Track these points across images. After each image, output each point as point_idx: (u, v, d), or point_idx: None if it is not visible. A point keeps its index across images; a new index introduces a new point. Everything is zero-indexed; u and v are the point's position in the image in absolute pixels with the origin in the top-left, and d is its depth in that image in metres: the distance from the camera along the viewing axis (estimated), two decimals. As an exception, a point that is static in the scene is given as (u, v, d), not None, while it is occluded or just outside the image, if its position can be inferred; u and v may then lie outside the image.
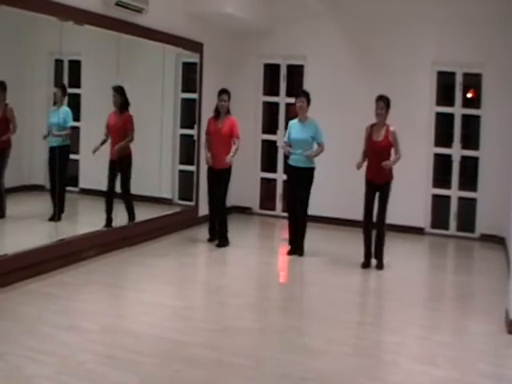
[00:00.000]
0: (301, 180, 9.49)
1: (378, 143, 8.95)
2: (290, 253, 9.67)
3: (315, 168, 9.55)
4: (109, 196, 9.78)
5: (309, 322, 6.85)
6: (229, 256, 9.68)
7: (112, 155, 9.78)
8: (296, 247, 9.66)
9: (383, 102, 8.97)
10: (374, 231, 9.10)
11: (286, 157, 9.77)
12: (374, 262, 9.09)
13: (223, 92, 9.92)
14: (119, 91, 9.79)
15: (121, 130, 9.81)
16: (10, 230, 9.03)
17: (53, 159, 9.38)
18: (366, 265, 9.09)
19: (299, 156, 9.40)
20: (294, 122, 9.65)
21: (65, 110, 9.53)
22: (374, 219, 9.07)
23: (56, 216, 9.20)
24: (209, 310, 7.15)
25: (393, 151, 9.04)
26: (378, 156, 8.89)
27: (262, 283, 8.54)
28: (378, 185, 9.00)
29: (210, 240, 10.17)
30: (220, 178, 9.89)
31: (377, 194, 9.05)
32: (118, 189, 9.80)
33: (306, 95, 9.66)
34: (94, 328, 6.19)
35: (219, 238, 10.07)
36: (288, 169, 9.77)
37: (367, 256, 9.13)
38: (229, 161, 9.75)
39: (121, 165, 9.82)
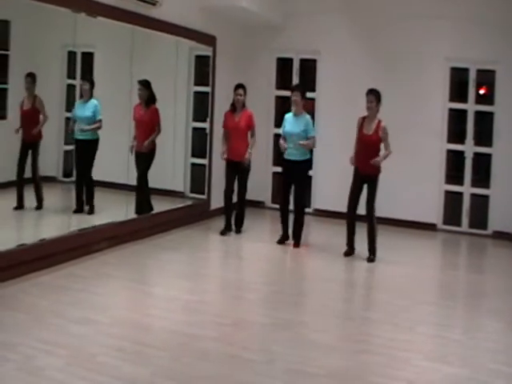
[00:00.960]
0: (295, 173, 9.61)
1: (368, 137, 9.00)
2: (280, 242, 9.85)
3: (309, 160, 9.78)
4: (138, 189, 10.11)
5: (320, 318, 6.82)
6: (241, 250, 9.69)
7: (139, 148, 9.90)
8: (287, 237, 9.90)
9: (373, 96, 9.01)
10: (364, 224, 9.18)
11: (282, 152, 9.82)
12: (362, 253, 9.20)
13: (239, 87, 10.12)
14: (145, 85, 9.92)
15: (148, 123, 9.97)
16: (28, 220, 9.16)
17: (79, 152, 9.53)
18: (348, 253, 9.25)
19: (292, 149, 9.53)
20: (288, 116, 9.76)
21: (93, 104, 9.62)
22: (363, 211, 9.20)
23: (81, 208, 9.55)
24: (220, 303, 7.15)
25: (382, 146, 9.07)
26: (367, 149, 8.96)
27: (275, 278, 8.53)
28: (366, 176, 9.04)
29: (223, 233, 10.20)
30: (240, 170, 10.10)
31: (365, 186, 9.11)
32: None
33: (301, 89, 9.77)
34: (106, 320, 6.19)
35: (239, 226, 10.45)
36: (283, 163, 9.87)
37: (350, 244, 9.29)
38: (248, 157, 10.06)
39: (145, 158, 9.97)
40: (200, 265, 8.90)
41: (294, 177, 9.64)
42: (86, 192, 9.65)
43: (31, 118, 8.98)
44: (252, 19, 11.96)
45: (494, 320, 6.89)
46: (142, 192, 10.07)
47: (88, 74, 9.95)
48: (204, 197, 11.57)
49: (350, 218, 9.24)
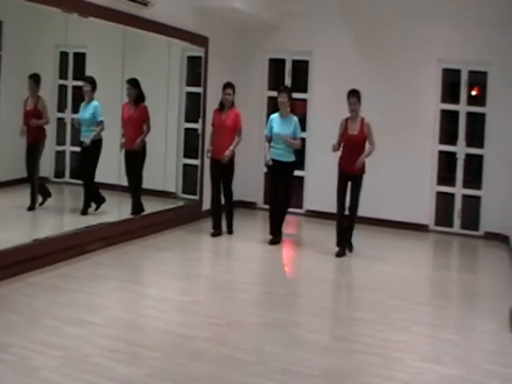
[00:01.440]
0: (282, 173, 9.70)
1: (354, 137, 9.20)
2: (272, 242, 9.86)
3: (296, 162, 9.86)
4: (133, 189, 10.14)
5: (314, 319, 6.83)
6: (233, 250, 9.69)
7: (129, 146, 9.92)
8: (278, 234, 9.99)
9: (356, 97, 9.18)
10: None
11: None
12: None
13: (228, 86, 10.08)
14: (133, 84, 9.92)
15: (138, 121, 9.97)
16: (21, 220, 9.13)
17: (83, 154, 9.66)
18: (340, 254, 9.33)
19: (281, 150, 9.64)
20: (275, 116, 9.86)
21: (94, 105, 9.69)
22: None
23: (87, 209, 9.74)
24: (214, 304, 7.13)
25: (367, 143, 9.24)
26: (354, 149, 9.16)
27: (267, 278, 8.53)
28: (350, 174, 9.20)
29: (214, 235, 10.18)
30: (224, 168, 10.05)
31: (349, 184, 9.27)
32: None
33: (288, 90, 9.92)
34: (100, 321, 6.17)
35: (229, 226, 10.39)
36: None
37: (340, 245, 9.37)
38: (228, 154, 9.94)
39: (137, 157, 9.97)
40: (193, 265, 8.88)
41: (282, 177, 9.72)
42: (87, 193, 9.79)
43: (33, 119, 9.01)
44: (245, 20, 11.97)
45: (488, 320, 6.91)
46: (138, 192, 10.06)
47: (88, 75, 9.95)
48: (196, 197, 11.55)
49: (340, 218, 9.34)
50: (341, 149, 9.34)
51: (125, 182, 10.02)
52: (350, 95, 9.20)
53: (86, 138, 9.65)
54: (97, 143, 9.74)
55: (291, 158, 9.71)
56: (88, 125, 9.65)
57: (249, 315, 6.77)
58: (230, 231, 10.37)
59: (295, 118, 9.76)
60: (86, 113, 9.65)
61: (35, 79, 8.99)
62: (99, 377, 4.96)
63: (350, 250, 9.43)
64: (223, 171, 10.12)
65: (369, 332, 6.40)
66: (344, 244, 9.37)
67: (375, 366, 5.53)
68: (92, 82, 9.70)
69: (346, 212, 9.33)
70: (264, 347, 5.86)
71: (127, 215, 9.80)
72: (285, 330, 6.34)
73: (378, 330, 6.47)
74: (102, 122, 9.69)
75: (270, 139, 9.79)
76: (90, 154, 9.68)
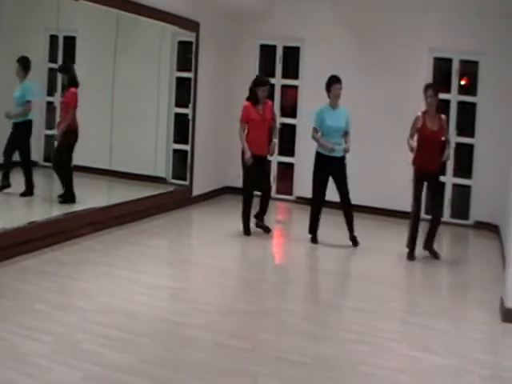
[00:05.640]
0: (335, 170, 9.31)
1: (434, 133, 8.76)
2: (314, 241, 9.47)
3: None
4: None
5: (306, 307, 6.85)
6: (225, 238, 9.61)
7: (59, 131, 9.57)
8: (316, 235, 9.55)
9: (433, 91, 8.77)
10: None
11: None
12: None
13: (264, 83, 9.63)
14: (64, 71, 9.61)
15: (66, 105, 9.56)
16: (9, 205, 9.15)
17: (13, 135, 9.27)
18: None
19: (336, 145, 9.19)
20: (325, 108, 9.31)
21: (23, 85, 9.25)
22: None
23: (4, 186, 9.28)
24: (205, 291, 7.09)
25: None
26: (434, 146, 8.76)
27: (259, 265, 8.54)
28: (431, 173, 8.87)
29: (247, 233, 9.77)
30: (263, 163, 9.72)
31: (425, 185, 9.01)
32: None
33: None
34: (91, 307, 6.15)
35: (262, 220, 9.91)
36: (321, 159, 9.35)
37: (428, 248, 9.12)
38: (274, 148, 9.70)
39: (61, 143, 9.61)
40: (184, 251, 8.88)
41: (336, 174, 9.29)
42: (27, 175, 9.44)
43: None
44: (236, 5, 11.89)
45: (479, 310, 6.92)
46: (66, 178, 9.62)
47: (22, 56, 9.27)
48: (186, 183, 11.50)
49: (417, 221, 9.03)
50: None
51: (116, 168, 9.94)
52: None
53: (15, 118, 9.30)
54: (25, 124, 9.31)
55: (343, 153, 9.27)
56: (19, 105, 9.25)
57: (240, 302, 6.75)
58: (267, 231, 9.88)
59: (346, 109, 9.36)
60: (16, 92, 9.27)
61: (21, 63, 8.83)
62: (90, 363, 4.94)
63: (436, 256, 8.98)
64: (263, 166, 9.73)
65: (360, 321, 6.40)
66: (431, 246, 9.07)
67: (367, 354, 5.53)
68: (23, 63, 9.22)
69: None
70: (256, 334, 5.86)
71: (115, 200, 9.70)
72: (277, 318, 6.34)
73: (370, 318, 6.47)
74: (28, 101, 9.24)
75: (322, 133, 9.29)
76: (17, 135, 9.25)
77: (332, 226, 9.76)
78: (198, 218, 10.23)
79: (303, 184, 12.08)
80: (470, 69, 11.44)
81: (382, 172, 11.49)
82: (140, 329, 5.75)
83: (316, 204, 9.40)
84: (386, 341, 5.88)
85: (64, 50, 10.06)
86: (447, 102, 11.38)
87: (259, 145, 9.50)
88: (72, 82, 9.53)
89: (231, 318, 6.27)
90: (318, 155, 9.26)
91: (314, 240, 9.36)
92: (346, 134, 9.26)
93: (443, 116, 8.92)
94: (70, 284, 6.84)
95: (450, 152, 8.97)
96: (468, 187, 11.42)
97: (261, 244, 9.46)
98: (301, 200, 12.15)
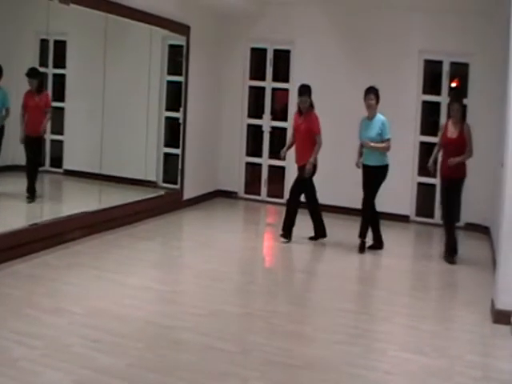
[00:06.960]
0: (368, 178, 9.38)
1: (453, 140, 8.87)
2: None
3: (386, 165, 9.40)
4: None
5: (296, 309, 6.83)
6: (214, 240, 9.63)
7: (31, 133, 9.54)
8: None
9: (458, 104, 8.84)
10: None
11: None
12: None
13: (303, 92, 9.65)
14: (32, 75, 9.43)
15: (42, 108, 9.55)
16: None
17: None
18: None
19: (368, 155, 9.30)
20: (363, 120, 9.44)
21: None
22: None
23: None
24: (195, 294, 7.09)
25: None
26: (450, 152, 8.88)
27: (249, 268, 8.54)
28: (451, 180, 9.06)
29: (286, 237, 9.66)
30: (301, 171, 9.63)
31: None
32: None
33: (376, 92, 9.44)
34: (80, 311, 6.13)
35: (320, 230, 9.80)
36: (362, 168, 9.48)
37: (449, 253, 9.16)
38: (309, 168, 9.44)
39: (38, 142, 9.65)
40: (174, 255, 8.88)
41: (368, 181, 9.35)
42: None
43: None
44: (227, 8, 11.89)
45: (469, 311, 6.92)
46: (35, 176, 9.67)
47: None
48: (177, 187, 11.49)
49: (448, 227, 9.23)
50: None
51: (106, 171, 9.92)
52: (454, 100, 8.92)
53: None
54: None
55: (378, 162, 9.25)
56: None
57: (230, 305, 6.74)
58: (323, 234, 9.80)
59: (382, 119, 9.29)
60: None
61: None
62: (81, 367, 4.93)
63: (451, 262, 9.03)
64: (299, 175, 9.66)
65: (351, 322, 6.42)
66: (452, 251, 9.12)
67: (358, 356, 5.54)
68: None
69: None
70: (246, 337, 5.87)
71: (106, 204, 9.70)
72: (267, 320, 6.34)
73: (361, 320, 6.50)
74: (7, 108, 9.31)
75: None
76: None
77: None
78: (188, 222, 10.23)
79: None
80: (460, 71, 11.47)
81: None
82: (130, 332, 5.74)
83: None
84: (376, 342, 5.91)
85: (54, 53, 10.05)
86: (437, 104, 11.43)
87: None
88: (40, 86, 9.53)
89: (221, 320, 6.25)
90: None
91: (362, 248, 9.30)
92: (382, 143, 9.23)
93: (467, 124, 8.95)
94: (60, 288, 6.82)
95: (458, 160, 8.89)
96: (459, 189, 11.41)
97: (251, 247, 9.48)
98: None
